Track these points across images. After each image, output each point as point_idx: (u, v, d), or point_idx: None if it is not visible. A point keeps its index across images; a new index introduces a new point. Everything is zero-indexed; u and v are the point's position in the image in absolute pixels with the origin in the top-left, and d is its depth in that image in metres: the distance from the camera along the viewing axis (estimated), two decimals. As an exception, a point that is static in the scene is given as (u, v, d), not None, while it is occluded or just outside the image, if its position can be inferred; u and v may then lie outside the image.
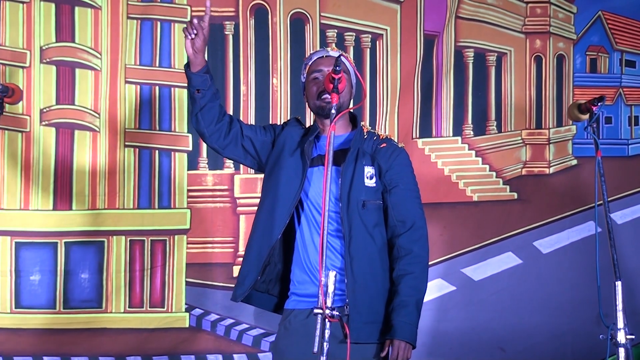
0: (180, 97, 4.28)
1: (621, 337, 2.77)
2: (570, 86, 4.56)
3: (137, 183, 4.25)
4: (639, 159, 4.59)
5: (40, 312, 4.13)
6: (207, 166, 4.31)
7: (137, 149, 4.27)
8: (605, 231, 2.91)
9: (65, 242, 4.17)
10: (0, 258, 4.12)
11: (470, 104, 4.50)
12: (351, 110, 2.93)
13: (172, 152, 4.29)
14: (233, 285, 4.06)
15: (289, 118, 4.12)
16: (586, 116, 3.04)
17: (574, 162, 4.54)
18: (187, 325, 4.24)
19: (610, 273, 2.86)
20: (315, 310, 2.43)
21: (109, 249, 4.20)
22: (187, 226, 4.27)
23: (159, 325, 4.21)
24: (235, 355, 4.24)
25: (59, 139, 4.20)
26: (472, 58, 4.50)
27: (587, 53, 4.59)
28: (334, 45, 3.97)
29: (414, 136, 4.41)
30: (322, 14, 4.36)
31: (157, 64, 4.28)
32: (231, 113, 4.29)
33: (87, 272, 4.19)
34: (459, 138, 4.48)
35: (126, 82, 4.24)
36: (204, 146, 4.28)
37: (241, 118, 4.32)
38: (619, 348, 2.77)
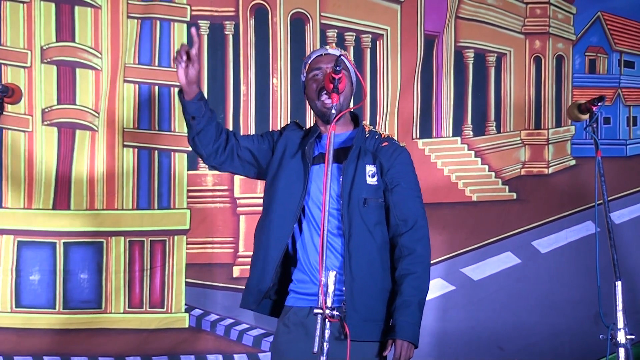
0: (180, 97, 4.28)
1: (621, 337, 2.77)
2: (569, 87, 4.57)
3: (137, 183, 4.25)
4: (637, 159, 4.60)
5: (41, 312, 4.12)
6: (207, 166, 4.30)
7: (137, 149, 4.26)
8: (603, 231, 2.92)
9: (64, 243, 4.16)
10: (3, 256, 4.12)
11: (470, 105, 4.51)
12: (352, 110, 2.94)
13: (172, 152, 4.28)
14: (233, 286, 4.09)
15: (288, 121, 4.15)
16: (586, 116, 3.05)
17: (573, 162, 4.55)
18: (186, 326, 4.23)
19: (607, 272, 2.86)
20: (315, 310, 2.44)
21: (108, 249, 4.19)
22: (187, 226, 4.26)
23: (158, 326, 4.21)
24: (235, 356, 4.24)
25: (61, 139, 4.20)
26: (472, 58, 4.51)
27: (586, 54, 4.60)
28: (333, 44, 3.97)
29: (414, 136, 4.42)
30: (322, 13, 4.36)
31: (157, 64, 4.28)
32: (231, 113, 4.32)
33: (86, 273, 4.18)
34: (459, 138, 4.48)
35: (125, 81, 4.24)
36: (204, 146, 4.28)
37: (241, 118, 4.32)
38: (619, 348, 2.78)
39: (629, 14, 4.59)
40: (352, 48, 4.35)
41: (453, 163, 4.46)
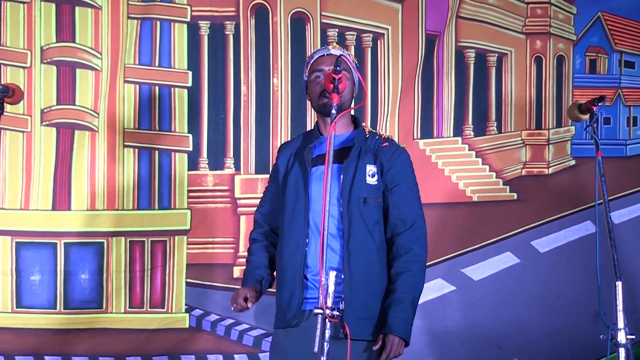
0: (180, 97, 4.28)
1: (621, 337, 2.77)
2: (569, 87, 4.56)
3: (137, 183, 4.25)
4: (637, 160, 4.60)
5: (41, 312, 4.12)
6: (207, 166, 4.30)
7: (137, 149, 4.26)
8: (603, 231, 2.92)
9: (64, 243, 4.16)
10: (1, 258, 4.12)
11: (470, 105, 4.51)
12: (352, 112, 2.94)
13: (172, 153, 4.28)
14: (233, 286, 4.08)
15: (288, 121, 4.17)
16: (586, 116, 3.04)
17: (573, 162, 4.55)
18: (187, 326, 4.23)
19: (606, 272, 2.86)
20: (315, 311, 2.44)
21: (108, 250, 4.19)
22: (188, 227, 4.26)
23: (159, 326, 4.21)
24: (236, 356, 4.24)
25: (59, 139, 4.19)
26: (473, 58, 4.51)
27: (586, 54, 4.59)
28: (335, 43, 3.97)
29: (414, 136, 4.41)
30: (322, 13, 4.35)
31: (157, 64, 4.28)
32: (231, 113, 4.32)
33: (87, 273, 4.18)
34: (460, 138, 4.48)
35: (125, 81, 4.24)
36: (204, 146, 4.28)
37: (241, 118, 4.32)
38: (620, 348, 2.78)
39: (629, 14, 4.59)
40: (352, 47, 4.35)
41: (454, 163, 4.45)
